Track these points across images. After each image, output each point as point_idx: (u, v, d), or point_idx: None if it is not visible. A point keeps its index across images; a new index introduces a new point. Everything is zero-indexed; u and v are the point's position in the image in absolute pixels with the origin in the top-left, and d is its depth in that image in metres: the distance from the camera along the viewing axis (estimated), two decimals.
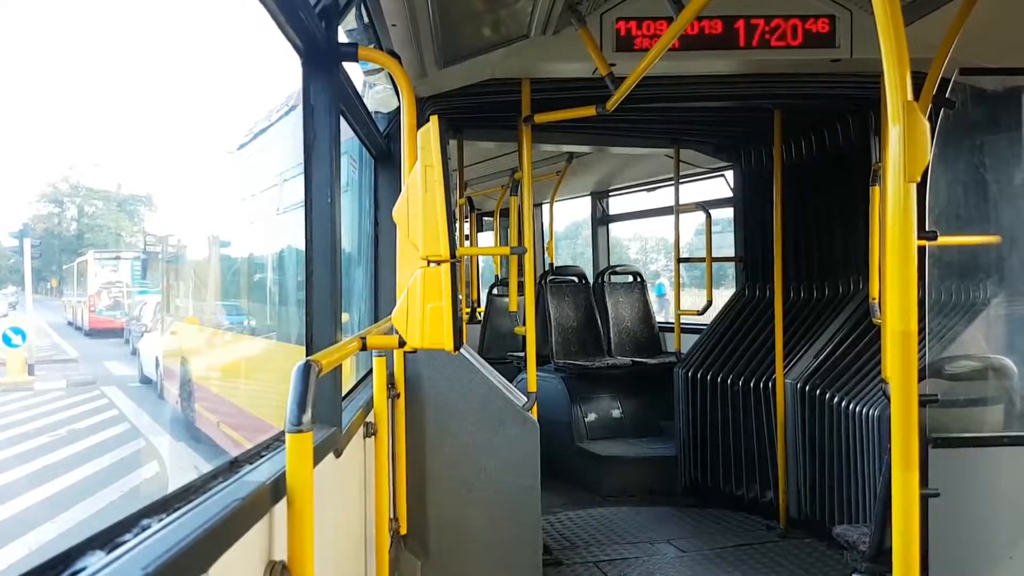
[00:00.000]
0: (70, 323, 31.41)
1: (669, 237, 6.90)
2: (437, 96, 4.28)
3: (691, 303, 6.52)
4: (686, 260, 6.76)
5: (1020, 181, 3.51)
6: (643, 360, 7.04)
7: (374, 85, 4.30)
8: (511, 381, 4.85)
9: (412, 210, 1.95)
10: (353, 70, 3.42)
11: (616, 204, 9.27)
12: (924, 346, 3.58)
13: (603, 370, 6.81)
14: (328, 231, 2.45)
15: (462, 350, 3.96)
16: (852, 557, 3.86)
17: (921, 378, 2.94)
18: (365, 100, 3.84)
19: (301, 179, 2.46)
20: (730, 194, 6.66)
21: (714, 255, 6.27)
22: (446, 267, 1.94)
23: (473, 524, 4.07)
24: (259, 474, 1.70)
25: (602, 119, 4.36)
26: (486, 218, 10.42)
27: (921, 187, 1.76)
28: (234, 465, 1.81)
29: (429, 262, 1.94)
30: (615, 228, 9.55)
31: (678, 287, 6.64)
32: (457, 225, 7.11)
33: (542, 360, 6.00)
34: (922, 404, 2.97)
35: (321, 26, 2.43)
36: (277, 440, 1.99)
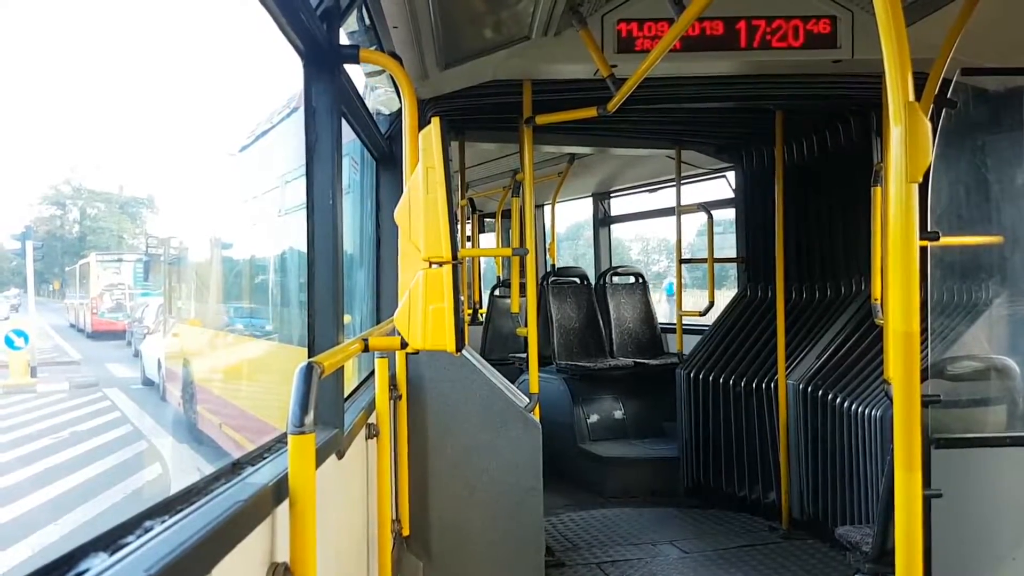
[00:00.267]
0: (72, 325, 31.38)
1: (671, 238, 6.89)
2: (438, 98, 4.28)
3: (693, 304, 6.52)
4: (688, 261, 6.76)
5: (1022, 181, 3.50)
6: (645, 361, 7.04)
7: (376, 87, 4.30)
8: (513, 382, 4.85)
9: (414, 211, 1.95)
10: (355, 72, 3.42)
11: (618, 205, 9.27)
12: (926, 347, 3.56)
13: (605, 371, 6.81)
14: (330, 233, 2.45)
15: (464, 351, 3.95)
16: (855, 558, 3.85)
17: (923, 379, 2.93)
18: (367, 102, 3.85)
19: (303, 181, 2.46)
20: (732, 195, 6.65)
21: (716, 256, 6.26)
22: (448, 268, 1.94)
23: (475, 525, 4.07)
24: (261, 476, 1.70)
25: (603, 120, 4.35)
26: (488, 219, 10.42)
27: (923, 188, 1.76)
28: (236, 467, 1.82)
29: (431, 263, 1.94)
30: (617, 229, 9.54)
31: (680, 288, 6.64)
32: (459, 226, 7.10)
33: (544, 361, 6.01)
34: (924, 405, 2.96)
35: (322, 28, 2.43)
36: (279, 442, 1.99)
